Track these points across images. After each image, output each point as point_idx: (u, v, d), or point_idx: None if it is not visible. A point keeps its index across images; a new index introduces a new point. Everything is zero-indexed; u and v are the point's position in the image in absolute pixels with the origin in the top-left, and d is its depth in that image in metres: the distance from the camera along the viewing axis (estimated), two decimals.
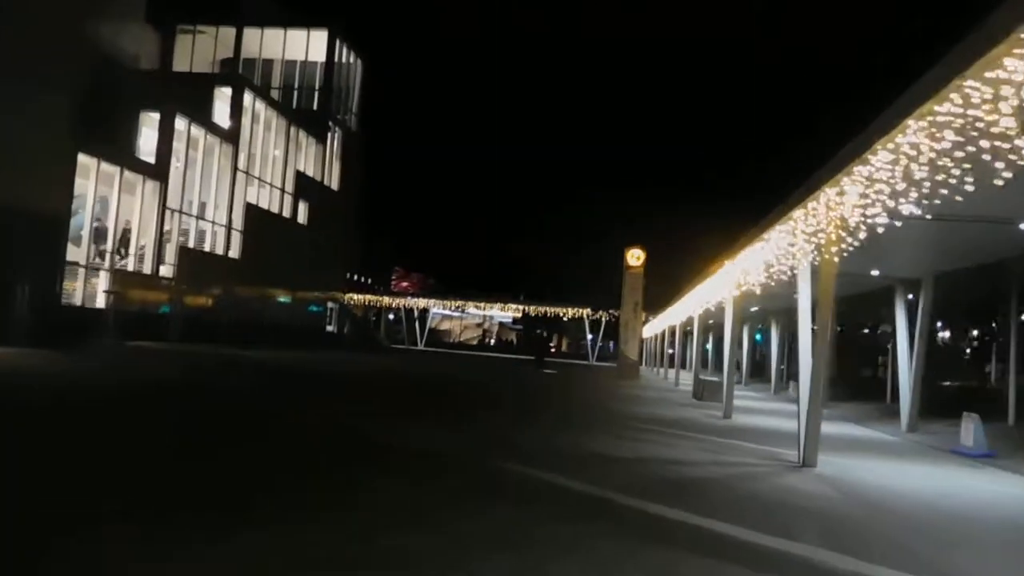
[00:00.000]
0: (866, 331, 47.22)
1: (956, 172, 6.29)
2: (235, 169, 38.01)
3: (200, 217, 36.10)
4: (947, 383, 31.40)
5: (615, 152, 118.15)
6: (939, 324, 40.49)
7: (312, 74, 47.60)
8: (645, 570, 5.10)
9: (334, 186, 49.79)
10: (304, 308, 48.43)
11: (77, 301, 28.01)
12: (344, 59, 49.29)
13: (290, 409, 13.76)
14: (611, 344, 72.54)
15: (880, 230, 8.24)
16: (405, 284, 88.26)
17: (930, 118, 6.16)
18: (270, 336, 37.64)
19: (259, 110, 40.82)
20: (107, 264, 29.68)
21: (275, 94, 44.67)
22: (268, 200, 41.84)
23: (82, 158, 27.42)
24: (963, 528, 7.57)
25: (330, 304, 53.70)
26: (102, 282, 29.36)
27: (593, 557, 5.27)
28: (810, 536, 6.35)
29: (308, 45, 46.80)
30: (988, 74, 5.51)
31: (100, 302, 28.92)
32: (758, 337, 44.69)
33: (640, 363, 46.67)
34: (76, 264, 28.12)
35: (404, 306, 75.15)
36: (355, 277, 68.31)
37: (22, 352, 20.18)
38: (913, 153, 6.61)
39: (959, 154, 6.13)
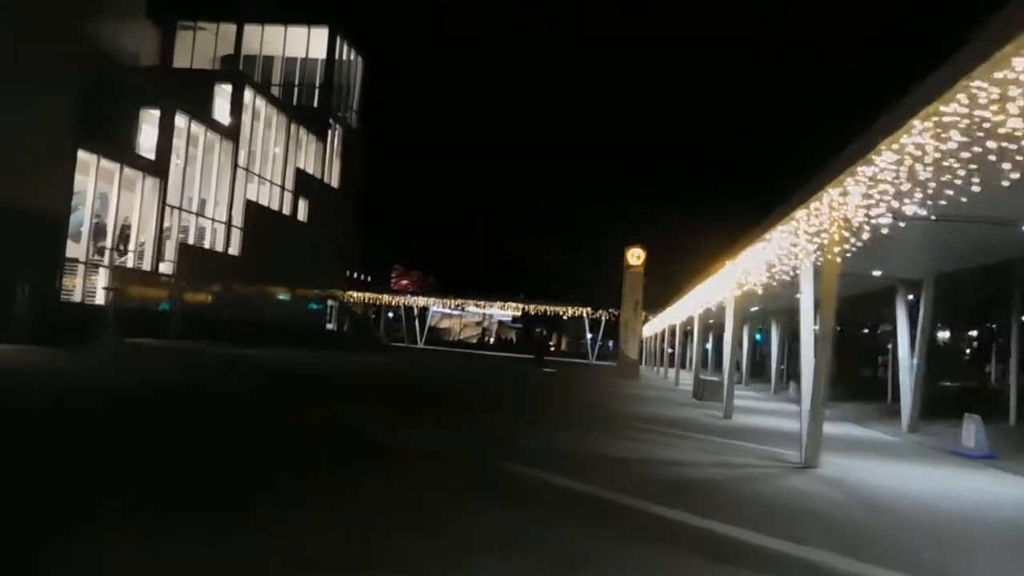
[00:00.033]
0: (866, 331, 47.18)
1: (962, 173, 6.24)
2: (235, 166, 37.96)
3: (200, 214, 36.06)
4: (947, 383, 31.35)
5: (615, 151, 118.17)
6: (939, 324, 40.44)
7: (312, 71, 47.55)
8: (647, 571, 5.08)
9: (334, 183, 49.75)
10: (304, 306, 48.41)
11: (77, 298, 27.98)
12: (344, 56, 49.24)
13: (290, 409, 13.74)
14: (610, 343, 72.57)
15: (884, 231, 8.21)
16: (405, 282, 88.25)
17: (936, 119, 6.12)
18: (270, 334, 37.60)
19: (259, 107, 40.77)
20: (107, 261, 29.64)
21: (275, 91, 44.62)
22: (268, 197, 41.80)
23: (82, 155, 27.38)
24: (966, 530, 7.54)
25: (330, 302, 53.68)
26: (102, 279, 29.33)
27: (595, 559, 5.24)
28: (814, 538, 6.32)
29: (309, 42, 46.74)
30: (996, 74, 5.47)
31: (100, 299, 28.89)
32: (758, 337, 44.68)
33: (640, 362, 46.65)
34: (76, 261, 28.08)
35: (404, 304, 75.17)
36: (355, 275, 68.32)
37: (22, 349, 20.15)
38: (918, 154, 6.57)
39: (965, 155, 6.09)
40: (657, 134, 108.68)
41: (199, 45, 43.86)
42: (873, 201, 7.89)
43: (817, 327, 11.64)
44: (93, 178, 28.32)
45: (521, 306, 73.64)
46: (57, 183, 26.19)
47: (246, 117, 38.97)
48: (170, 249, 33.42)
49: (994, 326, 38.03)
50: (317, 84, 47.51)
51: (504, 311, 79.36)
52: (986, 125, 5.75)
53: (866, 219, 8.26)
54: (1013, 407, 17.95)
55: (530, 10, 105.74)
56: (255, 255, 39.05)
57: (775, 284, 14.27)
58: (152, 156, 31.80)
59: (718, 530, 6.27)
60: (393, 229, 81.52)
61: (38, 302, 24.20)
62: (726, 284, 19.87)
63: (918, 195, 7.07)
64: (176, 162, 33.52)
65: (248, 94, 39.23)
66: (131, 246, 31.15)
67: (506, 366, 42.96)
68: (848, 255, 9.60)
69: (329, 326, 53.33)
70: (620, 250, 42.17)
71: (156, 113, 32.40)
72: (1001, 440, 14.03)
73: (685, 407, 21.31)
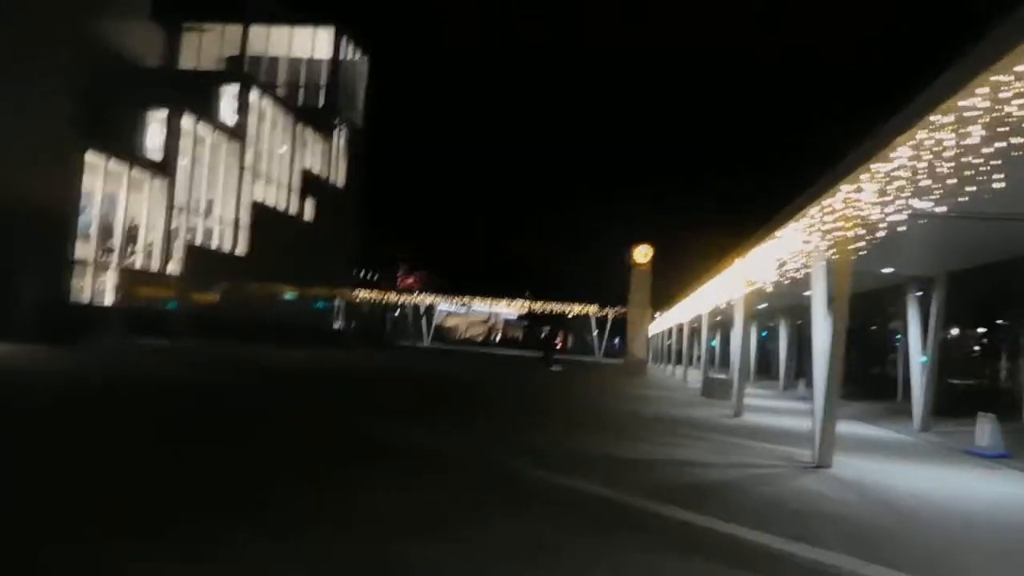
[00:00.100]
0: (874, 328, 46.94)
1: (984, 169, 6.13)
2: (241, 167, 37.96)
3: (207, 214, 36.07)
4: (956, 381, 31.16)
5: (617, 152, 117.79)
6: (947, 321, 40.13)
7: (318, 71, 47.49)
8: None
9: (340, 183, 49.72)
10: (310, 305, 48.40)
11: (84, 298, 28.01)
12: (350, 56, 49.19)
13: (291, 409, 13.68)
14: (616, 341, 72.45)
15: (901, 228, 8.09)
16: (410, 281, 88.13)
17: (955, 114, 6.01)
18: (276, 333, 37.59)
19: (265, 107, 40.77)
20: (114, 261, 29.66)
21: (281, 91, 44.60)
22: (274, 197, 41.80)
23: (89, 156, 27.40)
24: (986, 534, 7.43)
25: (336, 301, 53.67)
26: (109, 279, 29.36)
27: (610, 564, 5.17)
28: (832, 542, 6.22)
29: (314, 42, 46.70)
30: (1018, 68, 5.36)
31: (107, 299, 28.92)
32: (763, 334, 44.48)
33: (647, 360, 46.53)
34: (83, 261, 28.12)
35: (410, 303, 75.15)
36: (361, 274, 68.29)
37: (30, 349, 20.16)
38: (938, 149, 6.47)
39: (987, 150, 5.98)
40: (658, 134, 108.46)
41: (205, 46, 43.82)
42: (889, 198, 7.78)
43: (830, 325, 11.51)
44: (101, 179, 28.34)
45: (527, 304, 73.58)
46: (65, 184, 26.23)
47: (252, 117, 38.96)
48: (177, 250, 33.43)
49: (1003, 323, 37.77)
50: (322, 84, 47.45)
51: (510, 309, 79.29)
52: (1009, 120, 5.64)
53: (882, 216, 8.15)
54: None
55: (532, 20, 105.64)
56: (261, 255, 39.03)
57: (786, 282, 14.14)
58: (159, 157, 31.82)
59: (738, 534, 6.19)
60: (398, 229, 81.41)
61: (45, 302, 24.23)
62: (735, 282, 19.75)
63: (937, 191, 6.95)
64: (183, 163, 33.53)
65: (254, 94, 39.23)
66: (138, 247, 31.17)
67: (513, 364, 42.88)
68: (862, 253, 9.48)
69: (336, 325, 53.32)
70: (626, 248, 42.07)
71: (162, 114, 32.41)
72: (1014, 439, 13.89)
73: (694, 406, 21.21)
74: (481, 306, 77.95)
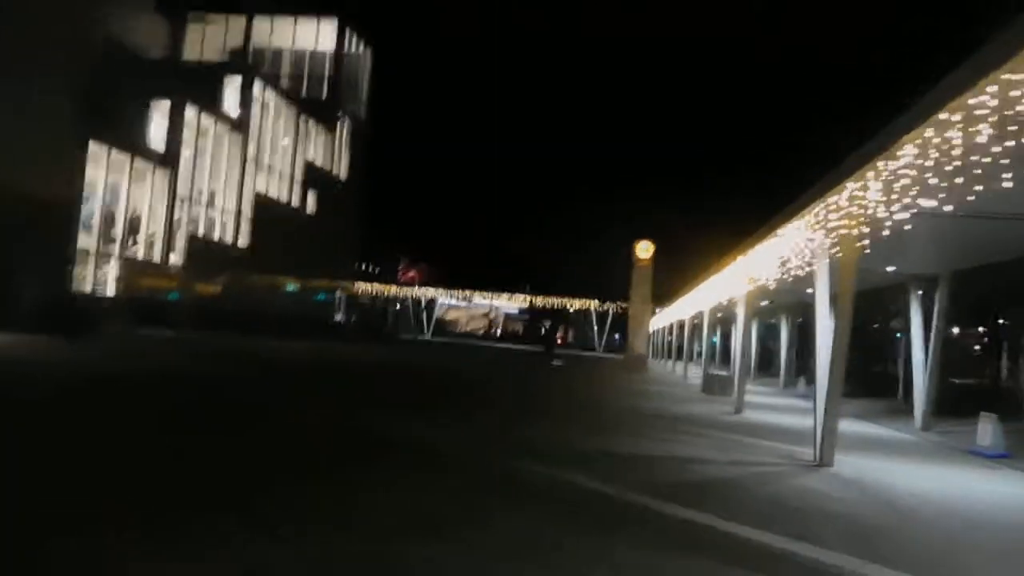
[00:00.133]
0: (875, 326, 46.89)
1: (993, 167, 6.08)
2: (244, 158, 37.93)
3: (209, 206, 36.05)
4: (956, 380, 31.13)
5: (617, 149, 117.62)
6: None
7: (321, 63, 47.42)
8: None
9: (342, 176, 49.68)
10: (312, 297, 48.42)
11: (87, 288, 28.02)
12: (353, 49, 49.10)
13: (291, 405, 13.67)
14: (616, 336, 72.44)
15: (908, 227, 8.04)
16: (412, 274, 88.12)
17: (963, 112, 5.96)
18: (278, 325, 37.64)
19: (268, 99, 40.72)
20: (116, 252, 29.66)
21: (284, 83, 44.53)
22: (277, 189, 41.77)
23: (92, 147, 27.38)
24: (988, 535, 7.40)
25: (337, 294, 53.68)
26: (111, 270, 29.37)
27: (611, 563, 5.15)
28: (834, 542, 6.20)
29: (317, 34, 46.62)
30: None
31: (109, 290, 28.93)
32: (764, 331, 44.42)
33: (647, 356, 46.53)
34: (86, 252, 28.12)
35: (411, 296, 75.15)
36: (363, 267, 68.28)
37: (31, 340, 20.15)
38: (945, 147, 6.42)
39: (996, 149, 5.93)
40: (658, 134, 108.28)
41: (209, 37, 43.78)
42: (895, 196, 7.73)
43: (833, 323, 11.47)
44: (104, 170, 28.32)
45: (528, 298, 73.55)
46: (68, 175, 26.21)
47: (255, 109, 38.93)
48: (179, 241, 33.43)
49: (1005, 323, 37.72)
50: (325, 76, 47.38)
51: (511, 303, 79.27)
52: (1020, 119, 5.58)
53: (888, 214, 8.10)
54: None
55: (531, 9, 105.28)
56: (264, 247, 39.04)
57: (789, 279, 14.10)
58: (162, 148, 31.80)
59: (739, 533, 6.17)
60: (399, 226, 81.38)
61: (47, 293, 24.23)
62: (738, 279, 19.71)
63: (944, 190, 6.90)
64: (186, 154, 33.51)
65: (257, 86, 39.19)
66: (140, 237, 31.18)
67: (513, 358, 42.88)
68: (868, 251, 9.43)
69: (337, 318, 53.35)
70: (627, 244, 42.05)
71: (166, 105, 32.38)
72: (1016, 439, 13.86)
73: (695, 402, 21.19)
74: (482, 300, 77.91)
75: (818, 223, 10.67)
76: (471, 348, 55.71)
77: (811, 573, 5.38)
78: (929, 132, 6.69)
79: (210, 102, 35.40)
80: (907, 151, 7.25)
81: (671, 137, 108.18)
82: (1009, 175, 6.10)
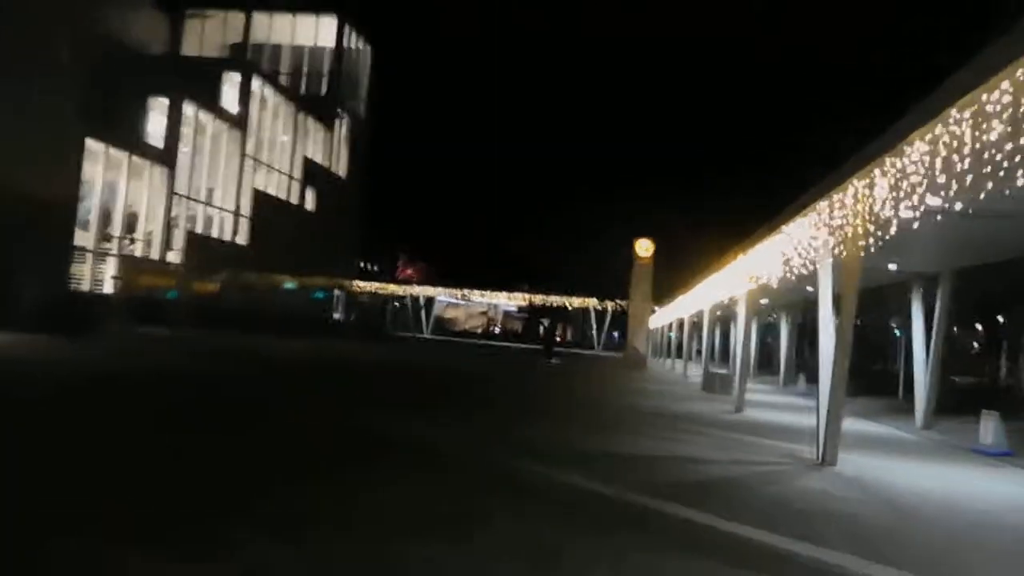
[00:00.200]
0: (875, 324, 46.87)
1: (1005, 165, 5.99)
2: (243, 155, 37.82)
3: (208, 203, 35.95)
4: (956, 378, 31.11)
5: (616, 148, 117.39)
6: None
7: (320, 60, 47.33)
8: None
9: (341, 173, 49.58)
10: (311, 295, 48.34)
11: (85, 287, 27.93)
12: (352, 45, 48.98)
13: (310, 407, 13.61)
14: (616, 335, 72.37)
15: (915, 225, 7.95)
16: (410, 272, 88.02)
17: (975, 107, 5.87)
18: (276, 323, 37.57)
19: (267, 96, 40.62)
20: (114, 250, 29.56)
21: (283, 80, 44.42)
22: (276, 186, 41.67)
23: (90, 144, 27.27)
24: (994, 534, 7.34)
25: (336, 291, 53.60)
26: (109, 268, 29.28)
27: (617, 567, 5.08)
28: (838, 542, 6.13)
29: (317, 31, 46.51)
30: None
31: (108, 288, 28.84)
32: (764, 328, 44.40)
33: (647, 354, 46.48)
34: (84, 250, 28.02)
35: (410, 294, 75.04)
36: (361, 265, 68.16)
37: (31, 339, 20.06)
38: (955, 145, 6.33)
39: (1009, 146, 5.84)
40: (658, 131, 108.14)
41: (208, 33, 43.68)
42: (902, 194, 7.65)
43: (835, 322, 11.41)
44: (101, 167, 28.23)
45: (527, 296, 73.46)
46: (65, 172, 26.10)
47: (254, 106, 38.82)
48: (178, 238, 33.34)
49: (1005, 321, 37.70)
50: (325, 73, 47.28)
51: (509, 301, 79.17)
52: None
53: (894, 213, 8.01)
54: None
55: (531, 9, 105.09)
56: (263, 244, 38.96)
57: (793, 278, 14.02)
58: (160, 145, 31.69)
59: (741, 533, 6.10)
60: (398, 224, 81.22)
61: (46, 292, 24.14)
62: (739, 277, 19.65)
63: (953, 188, 6.81)
64: (184, 151, 33.41)
65: (256, 83, 39.08)
66: (138, 235, 31.08)
67: (512, 357, 42.82)
68: (872, 249, 9.35)
69: (336, 316, 53.27)
70: (625, 244, 42.05)
71: (164, 101, 32.29)
72: (1018, 438, 13.80)
73: (695, 401, 21.13)
74: (480, 298, 77.81)
75: (821, 221, 10.59)
76: (470, 347, 55.64)
77: (814, 573, 5.32)
78: (939, 129, 6.60)
79: (209, 98, 35.29)
80: (916, 148, 7.17)
81: (671, 137, 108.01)
82: (1021, 172, 5.99)
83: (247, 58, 42.09)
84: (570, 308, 75.24)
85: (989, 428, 13.28)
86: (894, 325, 41.34)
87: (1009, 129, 5.66)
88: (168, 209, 32.16)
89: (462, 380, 23.40)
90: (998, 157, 5.86)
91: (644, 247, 41.45)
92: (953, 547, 6.61)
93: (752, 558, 5.52)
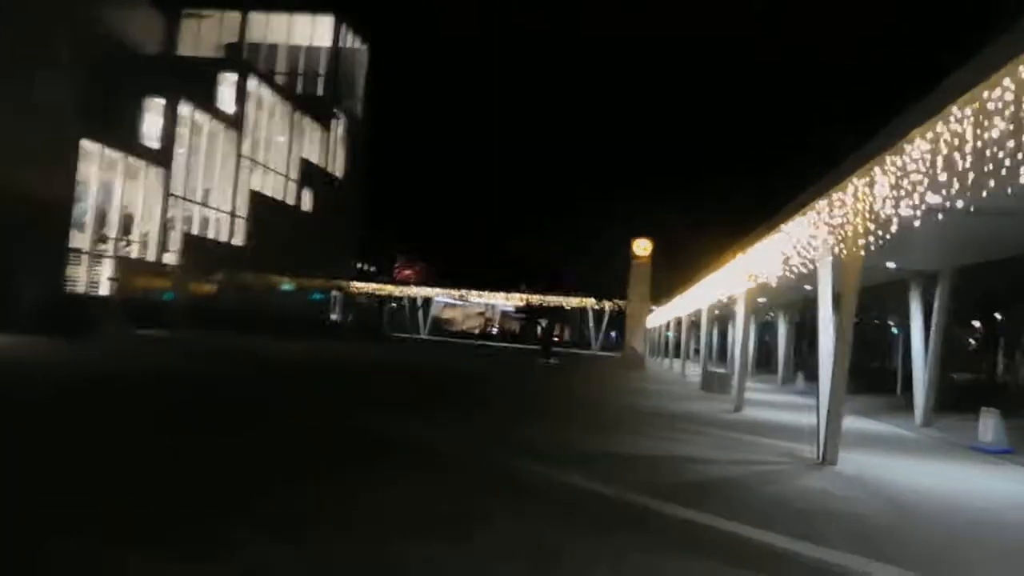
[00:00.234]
0: (874, 322, 46.94)
1: (1007, 163, 5.97)
2: (239, 155, 37.73)
3: (204, 204, 35.86)
4: (953, 375, 31.14)
5: (616, 148, 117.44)
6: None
7: (317, 60, 47.23)
8: None
9: (338, 173, 49.49)
10: (308, 296, 48.25)
11: (81, 288, 27.84)
12: (349, 45, 48.88)
13: (309, 408, 13.57)
14: (614, 334, 72.36)
15: (916, 223, 7.93)
16: (408, 273, 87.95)
17: (975, 105, 5.85)
18: (273, 324, 37.49)
19: (263, 96, 40.51)
20: (110, 251, 29.48)
21: (280, 80, 44.32)
22: (272, 187, 41.58)
23: (85, 144, 27.18)
24: (996, 532, 7.32)
25: (333, 293, 53.51)
26: (106, 269, 29.18)
27: (617, 567, 5.05)
28: (840, 542, 6.11)
29: (313, 30, 46.41)
30: None
31: (104, 289, 28.75)
32: (762, 327, 44.42)
33: (645, 354, 46.48)
34: (80, 251, 27.93)
35: (407, 295, 74.97)
36: (359, 265, 68.08)
37: (28, 340, 19.99)
38: (956, 143, 6.31)
39: (1011, 144, 5.81)
40: (658, 131, 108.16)
41: (204, 33, 43.57)
42: (903, 192, 7.63)
43: (835, 321, 11.39)
44: (97, 168, 28.14)
45: (524, 296, 73.42)
46: (60, 173, 26.01)
47: (250, 106, 38.73)
48: (174, 239, 33.25)
49: (1000, 318, 37.75)
50: (321, 73, 47.19)
51: (507, 301, 79.13)
52: None
53: (895, 211, 7.99)
54: None
55: (531, 9, 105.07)
56: (259, 245, 38.87)
57: (792, 276, 14.00)
58: (156, 145, 31.59)
59: (741, 532, 6.08)
60: (395, 222, 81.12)
61: (43, 293, 24.06)
62: (737, 276, 19.64)
63: (955, 186, 6.78)
64: (180, 151, 33.31)
65: (252, 83, 38.98)
66: (134, 236, 30.99)
67: (510, 357, 42.79)
68: (872, 248, 9.33)
69: (333, 317, 53.19)
70: (623, 243, 42.05)
71: (160, 102, 32.17)
72: (1018, 435, 13.79)
73: (694, 400, 21.12)
74: (478, 298, 77.78)
75: (821, 219, 10.58)
76: (467, 347, 55.62)
77: (814, 573, 5.30)
78: (940, 127, 6.58)
79: (205, 99, 35.19)
80: (916, 146, 7.15)
81: (670, 137, 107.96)
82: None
83: (243, 58, 41.98)
84: (567, 308, 75.24)
85: (989, 425, 13.27)
86: (892, 323, 41.38)
87: (1011, 127, 5.65)
88: (164, 210, 32.08)
89: (460, 380, 23.37)
90: (1000, 155, 5.85)
91: (642, 246, 41.46)
92: (953, 545, 6.59)
93: (752, 558, 5.50)
